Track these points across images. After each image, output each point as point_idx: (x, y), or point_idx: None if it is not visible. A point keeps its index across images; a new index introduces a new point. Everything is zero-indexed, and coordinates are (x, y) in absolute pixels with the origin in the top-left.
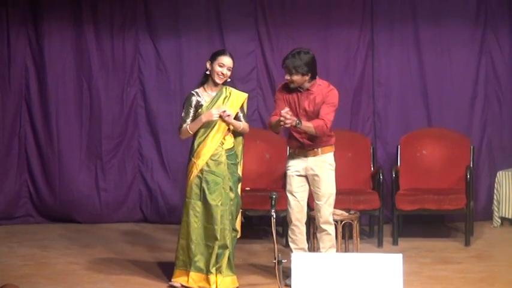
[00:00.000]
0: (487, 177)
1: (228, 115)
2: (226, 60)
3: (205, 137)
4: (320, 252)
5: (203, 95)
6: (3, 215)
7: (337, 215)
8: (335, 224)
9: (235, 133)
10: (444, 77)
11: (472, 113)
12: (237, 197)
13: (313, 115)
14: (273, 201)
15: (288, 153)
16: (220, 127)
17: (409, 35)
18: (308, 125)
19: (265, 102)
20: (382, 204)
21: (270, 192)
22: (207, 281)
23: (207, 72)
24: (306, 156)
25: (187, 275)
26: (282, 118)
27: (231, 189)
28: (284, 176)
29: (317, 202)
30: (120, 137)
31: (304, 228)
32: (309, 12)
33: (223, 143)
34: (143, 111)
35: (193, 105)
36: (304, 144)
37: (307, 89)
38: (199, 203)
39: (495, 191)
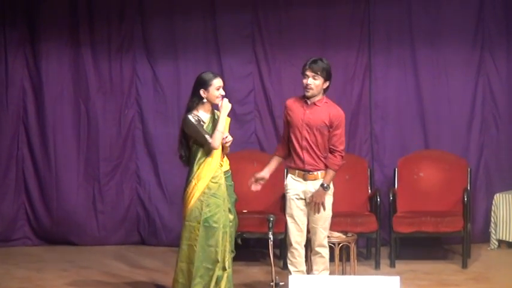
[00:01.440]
0: (484, 199)
1: (230, 140)
2: (220, 82)
3: (205, 159)
4: (313, 274)
5: (199, 115)
6: (0, 237)
7: (334, 237)
8: (332, 246)
9: None
10: (441, 99)
11: (469, 135)
12: (236, 218)
13: (316, 131)
14: (271, 224)
15: (286, 176)
16: (219, 149)
17: (406, 57)
18: (331, 176)
19: (262, 124)
20: (379, 226)
21: (268, 214)
22: None
23: (204, 101)
24: (305, 179)
25: None
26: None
27: (229, 210)
28: (282, 198)
29: (313, 225)
30: (118, 159)
31: (303, 251)
32: (307, 34)
33: (221, 165)
34: (141, 134)
35: (198, 121)
36: (305, 164)
37: (314, 103)
38: (199, 226)
39: (492, 213)
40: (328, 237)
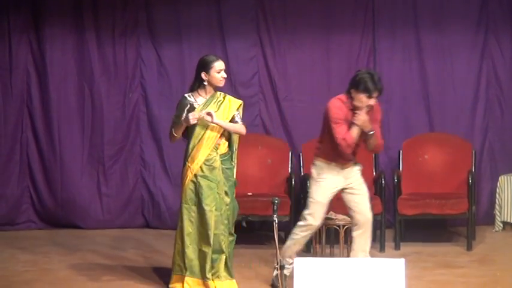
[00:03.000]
0: (488, 181)
1: (209, 114)
2: (221, 65)
3: (199, 141)
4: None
5: (196, 99)
6: (5, 221)
7: (339, 219)
8: (337, 229)
9: (231, 134)
10: (446, 81)
11: (474, 117)
12: (233, 201)
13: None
14: (275, 207)
15: (315, 164)
16: (213, 131)
17: (410, 40)
18: (376, 137)
19: (267, 107)
20: (384, 209)
21: (272, 197)
22: (205, 286)
23: (205, 83)
24: (342, 168)
25: (184, 280)
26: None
27: (226, 193)
28: (286, 181)
29: (354, 204)
30: (122, 143)
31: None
32: (311, 18)
33: (217, 148)
34: (145, 117)
35: (185, 109)
36: (353, 160)
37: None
38: (194, 208)
39: (497, 195)
40: (332, 219)
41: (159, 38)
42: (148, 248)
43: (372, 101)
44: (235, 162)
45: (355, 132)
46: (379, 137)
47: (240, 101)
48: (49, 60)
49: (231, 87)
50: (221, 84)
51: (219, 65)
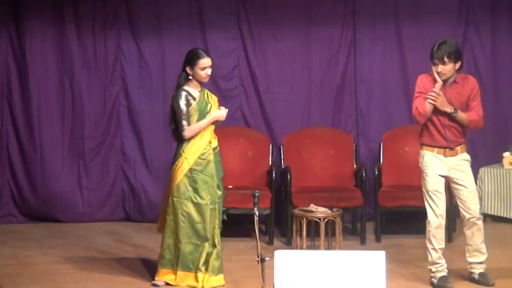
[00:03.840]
0: None
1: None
2: (206, 62)
3: (195, 135)
4: (473, 247)
5: (191, 91)
6: None
7: (319, 212)
8: (318, 221)
9: None
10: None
11: None
12: (223, 193)
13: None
14: (256, 199)
15: (423, 153)
16: (210, 126)
17: (391, 32)
18: (463, 116)
19: (247, 100)
20: (364, 201)
21: (253, 190)
22: (196, 279)
23: (190, 77)
24: (445, 156)
25: (175, 274)
26: (431, 96)
27: (218, 187)
28: (267, 173)
29: (465, 199)
30: (103, 136)
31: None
32: (291, 10)
33: (211, 142)
34: (125, 110)
35: (187, 103)
36: (448, 140)
37: (454, 81)
38: (186, 202)
39: (477, 187)
40: (312, 212)
41: (140, 31)
42: (130, 241)
43: (436, 69)
44: None
45: (428, 105)
46: (470, 115)
47: (216, 97)
48: (29, 53)
49: (212, 81)
50: (205, 80)
51: (204, 62)
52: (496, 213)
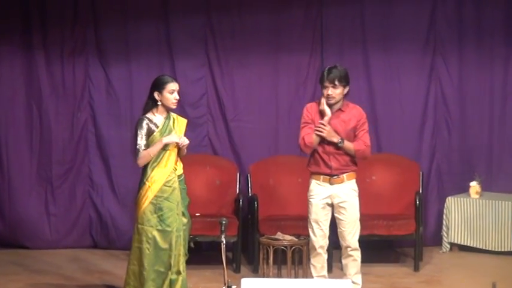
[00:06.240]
0: (436, 202)
1: (187, 143)
2: (175, 86)
3: (159, 162)
4: (347, 278)
5: (154, 119)
6: None
7: (286, 240)
8: (284, 250)
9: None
10: (393, 102)
11: (421, 138)
12: (189, 221)
13: (344, 137)
14: (223, 227)
15: (310, 182)
16: (173, 152)
17: (358, 60)
18: (349, 146)
19: (215, 128)
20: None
21: (220, 217)
22: None
23: (158, 103)
24: (331, 183)
25: None
26: (319, 127)
27: (183, 214)
28: (234, 201)
29: (343, 229)
30: (71, 162)
31: (326, 256)
32: (259, 38)
33: (175, 169)
34: (93, 137)
35: (146, 130)
36: (332, 168)
37: (339, 109)
38: (151, 229)
39: (444, 216)
40: (279, 240)
41: (108, 57)
42: (96, 268)
43: (326, 92)
44: None
45: (315, 136)
46: (356, 145)
47: (186, 120)
48: None
49: (179, 108)
50: (173, 106)
51: (171, 85)
52: (462, 243)
